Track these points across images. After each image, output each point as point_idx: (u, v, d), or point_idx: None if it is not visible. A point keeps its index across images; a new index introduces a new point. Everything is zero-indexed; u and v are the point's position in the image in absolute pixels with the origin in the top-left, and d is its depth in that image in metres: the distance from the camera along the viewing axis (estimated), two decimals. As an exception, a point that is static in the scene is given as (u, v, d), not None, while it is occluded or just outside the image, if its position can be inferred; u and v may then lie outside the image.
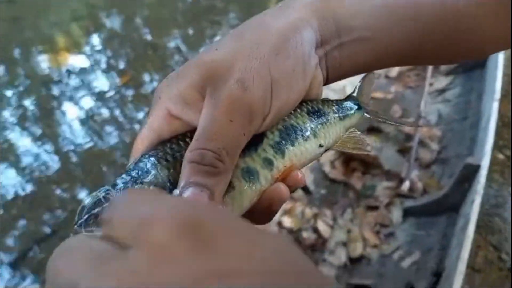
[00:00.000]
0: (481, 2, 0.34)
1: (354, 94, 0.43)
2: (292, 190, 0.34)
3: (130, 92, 3.00)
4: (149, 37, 3.65)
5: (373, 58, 0.36)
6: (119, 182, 0.30)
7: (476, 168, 1.54)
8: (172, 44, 3.54)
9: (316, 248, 1.76)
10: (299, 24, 0.33)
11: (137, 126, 2.70)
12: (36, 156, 2.57)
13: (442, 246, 1.63)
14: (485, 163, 1.55)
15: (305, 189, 1.92)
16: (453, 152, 2.01)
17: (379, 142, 2.04)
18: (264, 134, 0.34)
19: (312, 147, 0.36)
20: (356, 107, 0.41)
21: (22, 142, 2.70)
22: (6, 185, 2.40)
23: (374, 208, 1.86)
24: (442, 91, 2.37)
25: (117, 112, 2.87)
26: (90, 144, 2.61)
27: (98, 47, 3.58)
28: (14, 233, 2.15)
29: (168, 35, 3.63)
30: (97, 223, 0.28)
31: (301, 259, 0.19)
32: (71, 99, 3.00)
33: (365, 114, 0.42)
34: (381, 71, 2.38)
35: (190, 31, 3.69)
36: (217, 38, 3.49)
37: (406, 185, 1.90)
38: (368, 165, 1.97)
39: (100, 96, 2.99)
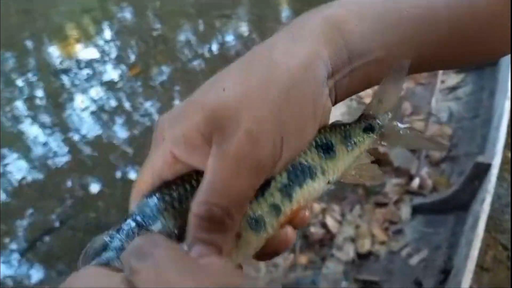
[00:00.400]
0: (491, 11, 0.34)
1: (368, 112, 0.38)
2: (297, 228, 0.34)
3: (139, 84, 3.01)
4: (159, 30, 3.65)
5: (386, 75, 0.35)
6: (125, 228, 0.29)
7: (487, 167, 1.53)
8: (182, 37, 3.54)
9: (324, 243, 1.76)
10: (309, 61, 0.32)
11: (145, 119, 2.70)
12: (46, 146, 2.59)
13: (450, 244, 1.63)
14: (496, 162, 1.54)
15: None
16: (463, 150, 2.00)
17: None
18: (271, 176, 0.32)
19: (320, 186, 0.34)
20: (368, 130, 0.37)
21: (32, 131, 2.72)
22: (16, 174, 2.42)
23: (383, 204, 1.86)
24: (453, 88, 2.36)
25: (126, 104, 2.88)
26: (99, 134, 2.62)
27: (109, 39, 3.59)
28: (23, 223, 2.17)
29: (179, 28, 3.63)
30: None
31: None
32: (81, 89, 3.01)
33: (380, 134, 0.38)
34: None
35: (200, 24, 3.69)
36: (227, 31, 3.49)
37: (415, 182, 1.89)
38: (378, 162, 1.96)
39: (110, 87, 3.00)
